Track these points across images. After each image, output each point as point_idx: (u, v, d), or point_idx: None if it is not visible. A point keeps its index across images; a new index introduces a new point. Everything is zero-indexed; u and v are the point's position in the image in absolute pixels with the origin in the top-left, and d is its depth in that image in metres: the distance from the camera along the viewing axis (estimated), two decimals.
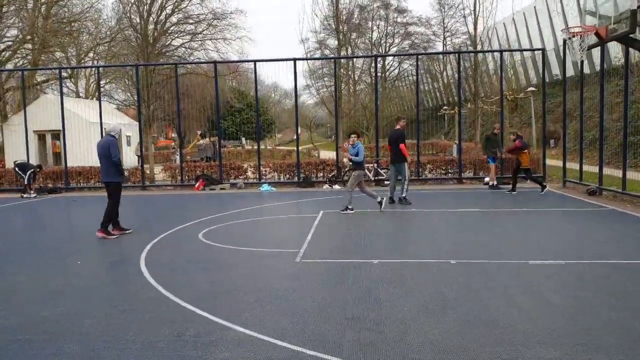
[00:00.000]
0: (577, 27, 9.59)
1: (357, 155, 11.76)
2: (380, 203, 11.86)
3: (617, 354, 4.16)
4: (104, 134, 9.95)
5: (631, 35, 8.57)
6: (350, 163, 12.08)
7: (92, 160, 20.18)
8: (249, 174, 19.71)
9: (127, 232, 9.92)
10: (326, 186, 17.84)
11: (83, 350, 4.50)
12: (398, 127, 13.15)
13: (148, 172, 19.97)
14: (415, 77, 20.44)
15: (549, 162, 19.19)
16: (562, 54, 17.25)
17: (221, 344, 4.54)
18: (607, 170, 15.36)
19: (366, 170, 16.52)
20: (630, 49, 10.05)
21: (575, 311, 5.13)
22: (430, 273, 6.61)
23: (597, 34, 8.80)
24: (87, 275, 7.03)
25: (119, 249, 8.68)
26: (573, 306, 5.28)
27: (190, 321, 5.10)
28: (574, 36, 9.46)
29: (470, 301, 5.50)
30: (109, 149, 9.55)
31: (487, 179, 17.02)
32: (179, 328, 4.92)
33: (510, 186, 15.48)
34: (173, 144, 34.04)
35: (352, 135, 12.34)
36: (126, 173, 19.88)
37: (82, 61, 37.61)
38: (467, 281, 6.22)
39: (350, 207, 11.79)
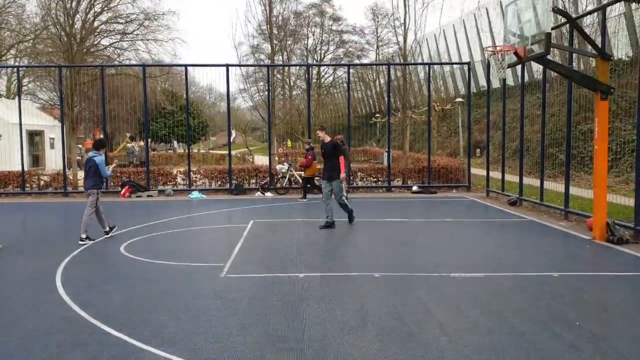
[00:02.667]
0: (499, 46, 9.99)
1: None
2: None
3: None
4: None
5: (547, 56, 9.01)
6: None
7: (13, 163, 19.22)
8: (179, 180, 19.29)
9: None
10: (258, 193, 17.72)
11: None
12: (334, 138, 12.36)
13: (71, 177, 19.14)
14: (349, 85, 20.69)
15: (475, 171, 19.93)
16: (487, 67, 17.98)
17: None
18: (528, 180, 16.08)
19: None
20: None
21: (491, 326, 5.31)
22: (354, 287, 6.68)
23: (516, 54, 9.20)
24: None
25: (33, 263, 8.23)
26: (489, 320, 5.47)
27: (104, 344, 4.90)
28: (495, 54, 9.86)
29: (390, 316, 5.59)
30: None
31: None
32: (92, 352, 4.71)
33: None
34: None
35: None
36: (47, 179, 19.05)
37: (3, 58, 35.66)
38: (389, 295, 6.32)
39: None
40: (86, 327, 5.36)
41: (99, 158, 9.94)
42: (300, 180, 18.02)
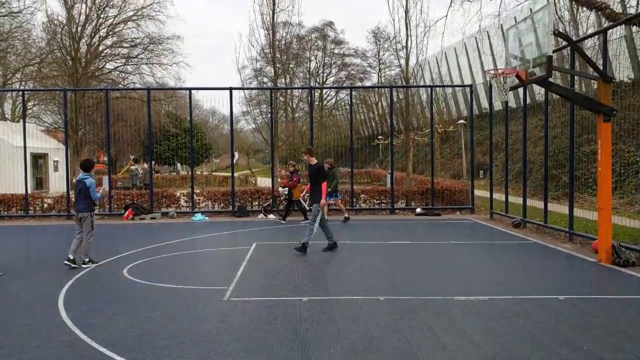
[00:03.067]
0: (500, 69, 10.06)
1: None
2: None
3: None
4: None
5: (549, 79, 9.06)
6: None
7: (17, 187, 19.26)
8: (182, 202, 19.30)
9: None
10: (261, 216, 17.70)
11: None
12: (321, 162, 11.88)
13: (73, 199, 19.13)
14: (351, 107, 20.82)
15: (479, 192, 19.89)
16: (489, 89, 18.10)
17: None
18: (532, 202, 16.04)
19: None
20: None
21: (497, 350, 5.25)
22: (359, 311, 6.62)
23: (518, 77, 9.26)
24: None
25: (36, 286, 8.21)
26: (493, 345, 5.40)
27: None
28: (497, 77, 9.92)
29: (395, 340, 5.53)
30: None
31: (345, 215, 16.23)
32: None
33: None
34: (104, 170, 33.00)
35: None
36: (50, 201, 19.07)
37: (9, 82, 36.04)
38: (394, 319, 6.27)
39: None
40: (89, 351, 5.32)
41: (90, 180, 9.71)
42: (303, 203, 18.02)
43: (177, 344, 5.50)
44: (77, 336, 5.76)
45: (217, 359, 5.07)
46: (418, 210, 17.99)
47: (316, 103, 44.13)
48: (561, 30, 12.41)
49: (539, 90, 27.15)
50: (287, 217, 16.35)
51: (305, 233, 10.78)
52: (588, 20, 19.55)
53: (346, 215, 16.19)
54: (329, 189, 15.68)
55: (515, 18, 22.24)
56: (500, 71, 9.94)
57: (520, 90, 15.23)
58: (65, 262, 9.44)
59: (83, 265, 9.48)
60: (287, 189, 18.41)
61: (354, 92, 46.81)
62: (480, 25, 20.84)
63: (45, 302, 7.23)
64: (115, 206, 18.31)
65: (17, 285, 8.37)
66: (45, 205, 18.93)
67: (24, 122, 19.70)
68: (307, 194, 13.81)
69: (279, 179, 21.89)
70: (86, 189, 9.66)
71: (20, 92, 27.02)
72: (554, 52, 8.99)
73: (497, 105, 21.85)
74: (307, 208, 15.28)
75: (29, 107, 36.82)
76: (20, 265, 10.00)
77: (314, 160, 11.09)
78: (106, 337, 5.68)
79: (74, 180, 24.59)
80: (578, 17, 18.96)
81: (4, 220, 17.72)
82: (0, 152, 22.27)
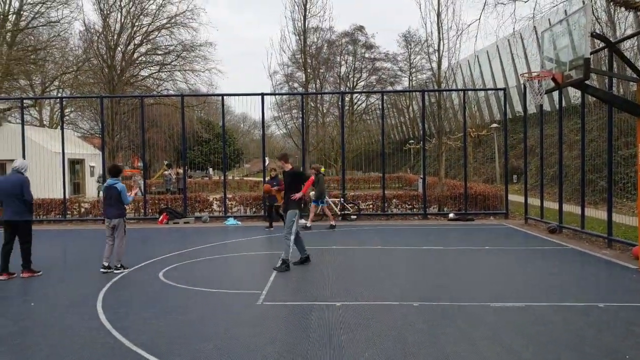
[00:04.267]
0: (535, 72, 9.90)
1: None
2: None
3: None
4: (13, 170, 9.47)
5: (586, 82, 8.88)
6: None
7: (55, 191, 19.77)
8: (215, 207, 19.52)
9: (38, 274, 9.46)
10: None
11: None
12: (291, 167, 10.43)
13: None
14: (381, 112, 20.77)
15: (513, 197, 19.60)
16: (523, 92, 17.82)
17: None
18: (568, 207, 15.72)
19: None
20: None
21: (535, 358, 5.16)
22: (393, 316, 6.59)
23: (553, 79, 9.10)
24: (39, 318, 6.78)
25: (76, 289, 8.41)
26: (532, 352, 5.31)
27: None
28: (531, 80, 9.77)
29: (430, 346, 5.49)
30: (21, 187, 9.19)
31: (306, 223, 15.76)
32: None
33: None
34: (138, 177, 33.53)
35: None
36: (87, 206, 19.53)
37: (47, 89, 37.05)
38: (429, 325, 6.21)
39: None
40: (128, 353, 5.41)
41: (120, 185, 9.70)
42: (334, 207, 18.03)
43: (213, 346, 5.57)
44: (115, 338, 5.88)
45: None
46: (451, 215, 17.81)
47: (346, 108, 44.12)
48: (598, 32, 12.15)
49: (574, 93, 26.64)
50: (273, 223, 15.88)
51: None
52: (626, 20, 19.10)
53: (332, 223, 15.90)
54: (314, 197, 15.56)
55: (549, 20, 21.90)
56: (535, 74, 9.79)
57: (556, 93, 14.95)
58: (102, 269, 9.59)
59: (115, 271, 9.60)
60: (311, 193, 18.48)
61: (384, 97, 46.73)
62: (514, 28, 20.52)
63: (84, 304, 7.40)
64: (150, 210, 18.63)
65: (56, 287, 8.59)
66: (82, 210, 19.39)
67: (62, 129, 20.22)
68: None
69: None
70: (117, 194, 9.66)
71: (59, 100, 27.75)
72: (591, 54, 8.80)
73: (532, 109, 21.46)
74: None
75: (66, 114, 37.78)
76: (59, 268, 10.25)
77: (288, 166, 10.31)
78: (144, 340, 5.78)
79: (99, 188, 25.17)
80: (616, 18, 18.55)
81: (43, 224, 18.20)
82: (39, 158, 22.87)
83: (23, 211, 9.26)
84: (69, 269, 10.32)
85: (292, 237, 9.79)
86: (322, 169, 17.20)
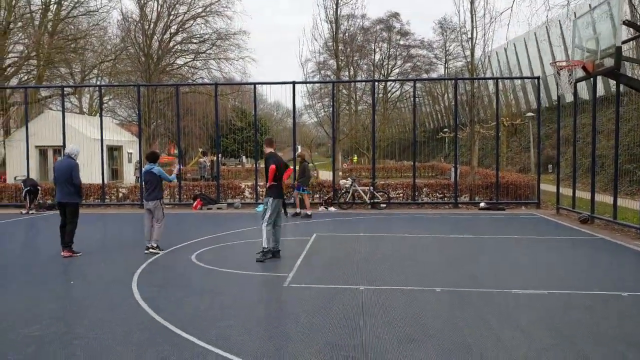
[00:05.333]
0: (565, 61, 9.83)
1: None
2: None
3: None
4: (65, 155, 10.33)
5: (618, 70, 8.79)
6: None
7: (94, 177, 20.45)
8: (246, 193, 19.89)
9: (78, 254, 10.00)
10: (322, 208, 17.98)
11: None
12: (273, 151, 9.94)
13: None
14: (415, 100, 20.72)
15: (545, 187, 19.37)
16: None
17: None
18: (604, 198, 15.47)
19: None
20: None
21: (553, 343, 5.26)
22: (414, 300, 6.75)
23: (584, 69, 9.02)
24: (79, 297, 7.19)
25: (112, 270, 8.83)
26: (549, 338, 5.41)
27: (176, 345, 5.24)
28: (561, 69, 9.69)
29: (450, 330, 5.64)
30: (71, 172, 9.89)
31: (307, 212, 15.83)
32: (164, 352, 5.06)
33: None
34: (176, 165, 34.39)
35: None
36: (125, 191, 20.17)
37: (86, 77, 38.08)
38: (449, 310, 6.36)
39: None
40: (162, 330, 5.73)
41: (157, 169, 10.23)
42: (364, 196, 18.18)
43: (242, 324, 5.84)
44: (149, 316, 6.21)
45: (277, 339, 5.36)
46: (482, 204, 17.76)
47: (380, 95, 43.97)
48: (630, 20, 11.90)
49: (613, 82, 26.04)
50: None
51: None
52: None
53: (308, 212, 15.78)
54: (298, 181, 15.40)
55: (589, 5, 21.38)
56: (565, 63, 9.71)
57: (591, 81, 14.70)
58: (146, 251, 10.08)
59: (152, 250, 10.08)
60: (349, 181, 18.62)
61: (418, 84, 46.32)
62: (547, 17, 20.17)
63: (121, 284, 7.79)
64: (185, 196, 19.12)
65: (95, 267, 9.03)
66: (120, 195, 20.03)
67: (101, 117, 20.85)
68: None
69: (340, 173, 22.06)
70: (156, 178, 10.19)
71: (98, 88, 28.52)
72: (623, 42, 8.69)
73: (568, 97, 21.10)
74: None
75: (104, 102, 38.74)
76: (97, 250, 10.71)
77: (267, 150, 9.83)
78: (177, 318, 6.10)
79: (135, 174, 25.75)
80: None
81: (82, 208, 18.81)
82: (77, 143, 23.60)
83: (72, 193, 9.98)
84: (107, 250, 10.78)
85: (265, 225, 9.30)
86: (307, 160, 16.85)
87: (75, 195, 10.06)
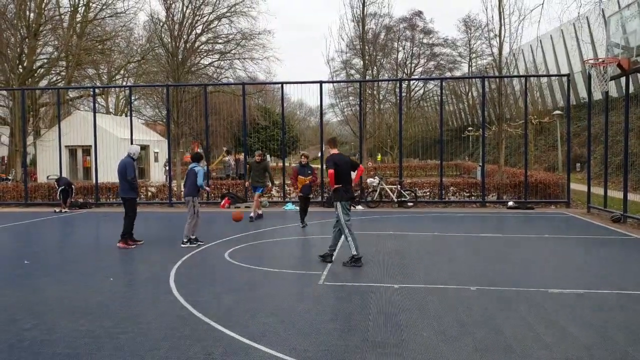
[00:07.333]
0: (601, 58, 9.72)
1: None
2: None
3: None
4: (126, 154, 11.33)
5: None
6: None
7: None
8: (274, 192, 20.01)
9: (139, 243, 11.09)
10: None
11: None
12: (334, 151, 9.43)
13: (175, 189, 20.42)
14: (440, 98, 20.66)
15: (575, 186, 19.14)
16: (588, 78, 17.30)
17: None
18: (635, 197, 15.23)
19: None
20: None
21: (593, 342, 5.24)
22: (450, 299, 6.76)
23: (619, 66, 8.91)
24: (118, 292, 7.35)
25: (149, 267, 9.00)
26: (589, 337, 5.39)
27: (218, 340, 5.35)
28: (596, 66, 9.58)
29: (487, 328, 5.65)
30: (125, 169, 10.83)
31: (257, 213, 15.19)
32: (208, 347, 5.17)
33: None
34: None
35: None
36: (154, 190, 20.46)
37: (113, 78, 38.63)
38: (486, 308, 6.36)
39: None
40: (201, 324, 5.85)
41: (198, 169, 11.11)
42: (391, 194, 18.17)
43: (279, 321, 5.93)
44: (189, 311, 6.33)
45: (316, 336, 5.43)
46: (510, 203, 17.61)
47: (404, 94, 43.77)
48: None
49: None
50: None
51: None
52: None
53: (260, 212, 15.34)
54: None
55: (619, 3, 21.06)
56: (600, 60, 9.60)
57: (623, 79, 14.48)
58: (192, 244, 10.82)
59: (182, 245, 10.67)
60: (376, 180, 18.65)
61: (443, 83, 45.99)
62: (579, 13, 19.85)
63: (158, 280, 7.95)
64: (212, 195, 19.32)
65: (131, 264, 9.23)
66: (149, 194, 20.33)
67: (131, 117, 21.20)
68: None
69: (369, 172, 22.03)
70: (194, 176, 11.00)
71: (127, 89, 28.94)
72: None
73: (597, 95, 20.77)
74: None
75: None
76: (134, 248, 10.91)
77: (330, 151, 9.44)
78: (215, 313, 6.21)
79: (165, 173, 26.03)
80: None
81: (113, 207, 19.22)
82: (106, 144, 24.00)
83: (127, 189, 10.97)
84: (142, 248, 10.96)
85: (347, 233, 9.04)
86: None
87: (130, 190, 10.97)
